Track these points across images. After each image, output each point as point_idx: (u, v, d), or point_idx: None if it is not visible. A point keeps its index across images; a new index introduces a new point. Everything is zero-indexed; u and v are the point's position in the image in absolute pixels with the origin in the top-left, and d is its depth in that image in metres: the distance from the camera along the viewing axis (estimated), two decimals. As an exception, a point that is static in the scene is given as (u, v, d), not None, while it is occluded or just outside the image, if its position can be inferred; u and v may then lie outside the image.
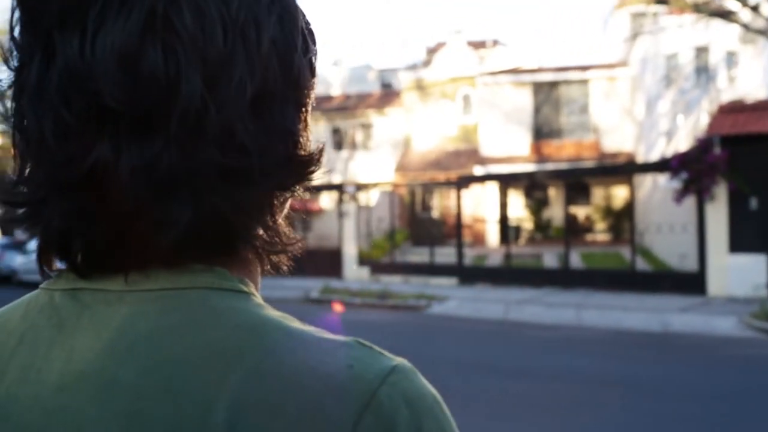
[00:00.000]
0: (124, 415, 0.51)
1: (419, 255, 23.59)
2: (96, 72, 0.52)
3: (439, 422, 0.53)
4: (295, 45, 0.60)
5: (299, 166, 0.61)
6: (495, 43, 32.19)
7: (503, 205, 21.37)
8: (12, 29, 0.57)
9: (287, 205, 0.64)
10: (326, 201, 29.45)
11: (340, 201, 22.51)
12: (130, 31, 0.52)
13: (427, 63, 31.27)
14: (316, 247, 24.94)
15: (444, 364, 9.42)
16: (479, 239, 27.34)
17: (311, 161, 0.62)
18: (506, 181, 21.47)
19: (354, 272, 21.65)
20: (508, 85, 27.98)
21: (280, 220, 0.63)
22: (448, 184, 23.19)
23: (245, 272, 0.61)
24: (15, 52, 0.57)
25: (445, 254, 21.41)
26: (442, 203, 29.16)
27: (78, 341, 0.55)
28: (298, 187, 0.62)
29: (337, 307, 15.19)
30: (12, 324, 0.60)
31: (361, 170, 30.28)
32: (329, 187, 24.81)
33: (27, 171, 0.57)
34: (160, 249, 0.55)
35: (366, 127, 30.94)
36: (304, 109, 0.62)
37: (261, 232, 0.60)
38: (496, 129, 27.83)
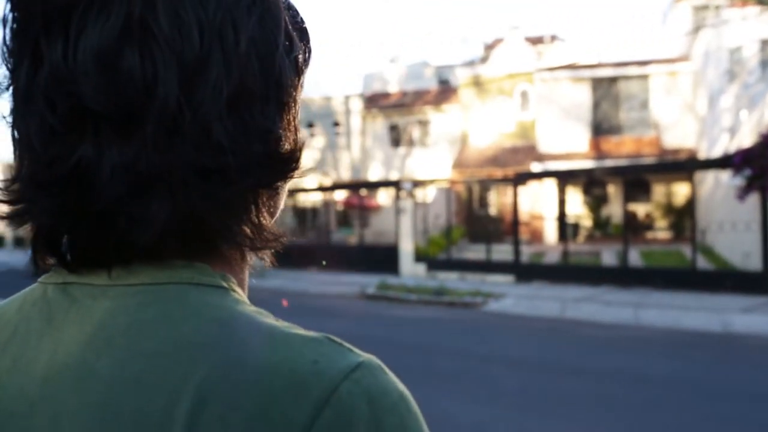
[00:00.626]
0: (97, 406, 0.53)
1: (476, 252, 23.53)
2: (77, 75, 0.55)
3: (403, 419, 0.53)
4: (276, 44, 0.61)
5: (279, 164, 0.62)
6: (553, 38, 31.85)
7: (561, 202, 21.13)
8: (5, 36, 0.60)
9: (276, 201, 0.68)
10: (384, 198, 29.58)
11: (397, 198, 22.56)
12: (108, 35, 0.55)
13: (484, 59, 31.10)
14: (373, 243, 25.08)
15: (498, 362, 9.42)
16: (537, 236, 27.11)
17: (291, 159, 0.63)
18: (564, 178, 21.23)
19: (410, 269, 21.69)
20: (567, 80, 27.66)
21: (264, 217, 0.64)
22: (505, 180, 23.03)
23: (228, 268, 0.64)
24: (9, 57, 0.60)
25: (502, 251, 21.30)
26: (499, 200, 29.01)
27: (65, 334, 0.58)
28: (281, 185, 0.65)
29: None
30: (8, 316, 0.64)
31: (418, 167, 30.31)
32: (386, 183, 24.91)
33: (21, 169, 0.61)
34: (141, 245, 0.57)
35: (423, 123, 30.94)
36: (287, 108, 0.64)
37: (244, 228, 0.62)
38: (554, 125, 27.55)
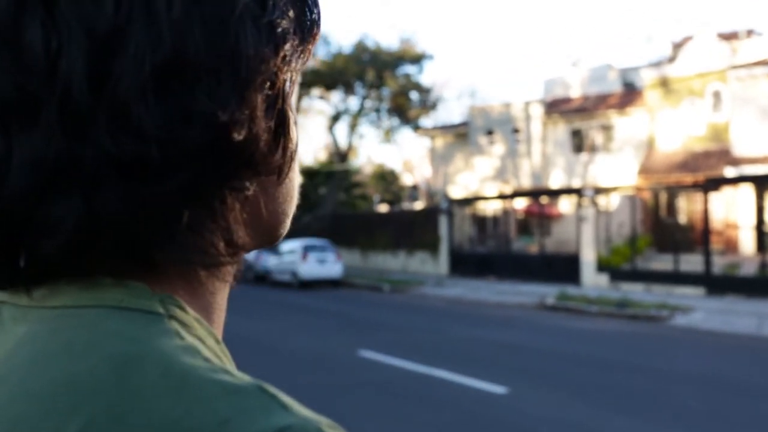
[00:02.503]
0: None
1: (662, 262, 22.36)
2: None
3: None
4: (232, 5, 0.49)
5: (226, 157, 0.49)
6: (749, 33, 29.69)
7: (759, 209, 19.64)
8: None
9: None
10: (565, 205, 28.87)
11: (579, 205, 21.94)
12: (5, 3, 0.46)
13: (672, 59, 29.56)
14: (553, 252, 24.54)
15: (684, 381, 8.87)
16: (731, 246, 25.36)
17: (245, 151, 0.50)
18: (763, 183, 19.71)
19: (592, 279, 21.00)
20: (766, 78, 25.70)
21: (222, 227, 0.51)
22: (695, 186, 21.78)
23: (185, 287, 0.52)
24: None
25: (692, 262, 20.09)
26: (688, 207, 27.41)
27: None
28: (245, 184, 0.52)
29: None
30: None
31: (601, 173, 29.32)
32: (568, 191, 24.31)
33: None
34: (48, 258, 0.47)
35: (606, 128, 29.90)
36: (249, 86, 0.50)
37: (190, 240, 0.49)
38: (750, 126, 25.66)
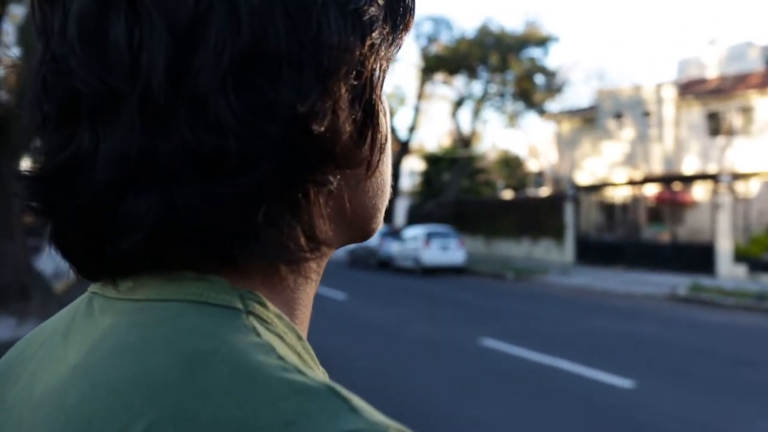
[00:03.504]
0: None
1: (808, 252, 20.99)
2: (67, 50, 0.47)
3: None
4: None
5: (307, 150, 0.48)
6: None
7: None
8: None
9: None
10: (699, 192, 27.58)
11: (715, 192, 20.89)
12: (90, 1, 0.46)
13: (821, 35, 27.56)
14: (686, 241, 23.52)
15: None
16: None
17: (327, 145, 0.48)
18: None
19: (728, 270, 19.97)
20: None
21: (305, 222, 0.50)
22: None
23: (265, 283, 0.51)
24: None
25: (841, 252, 18.77)
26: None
27: (69, 352, 0.50)
28: (328, 178, 0.50)
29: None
30: (50, 324, 0.56)
31: (739, 158, 27.79)
32: (703, 177, 23.21)
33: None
34: (130, 251, 0.47)
35: (746, 110, 28.26)
36: (333, 77, 0.48)
37: (270, 235, 0.48)
38: None
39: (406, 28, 0.56)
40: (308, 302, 0.56)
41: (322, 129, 0.48)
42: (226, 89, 0.45)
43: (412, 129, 39.07)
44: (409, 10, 0.56)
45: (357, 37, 0.50)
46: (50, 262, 21.48)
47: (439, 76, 38.24)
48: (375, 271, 26.38)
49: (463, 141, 38.74)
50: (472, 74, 36.98)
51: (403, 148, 38.44)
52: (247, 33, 0.45)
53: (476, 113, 38.46)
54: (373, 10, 0.51)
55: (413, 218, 36.46)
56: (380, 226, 0.61)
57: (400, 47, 0.56)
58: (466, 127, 39.64)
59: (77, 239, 0.49)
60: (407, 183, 45.07)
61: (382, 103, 0.54)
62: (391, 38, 0.54)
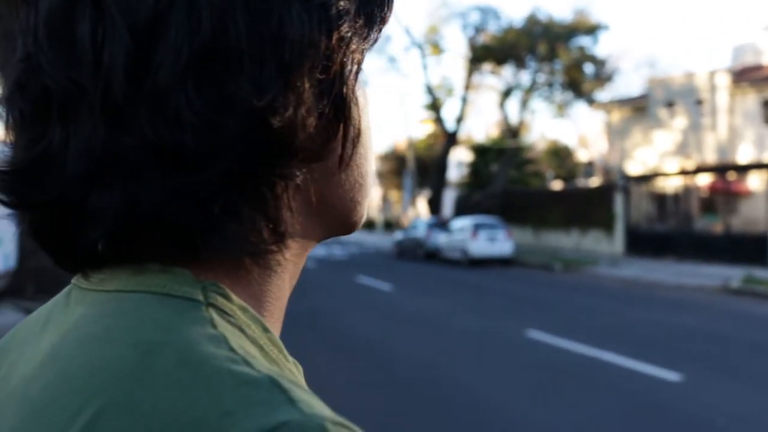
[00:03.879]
0: None
1: None
2: (38, 49, 0.49)
3: None
4: None
5: (266, 144, 0.48)
6: None
7: None
8: None
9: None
10: (755, 182, 26.93)
11: (770, 182, 20.38)
12: None
13: None
14: (740, 232, 23.02)
15: None
16: None
17: (286, 136, 0.49)
18: None
19: (784, 261, 19.48)
20: None
21: (268, 215, 0.51)
22: None
23: (233, 275, 0.52)
24: None
25: None
26: None
27: (44, 342, 0.52)
28: (293, 171, 0.51)
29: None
30: (34, 315, 0.58)
31: (796, 146, 27.06)
32: (758, 166, 22.66)
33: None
34: (95, 244, 0.49)
35: (803, 97, 27.51)
36: (296, 71, 0.49)
37: (232, 228, 0.49)
38: None
39: (383, 21, 0.57)
40: (279, 295, 0.56)
41: (283, 123, 0.48)
42: (186, 84, 0.46)
43: (459, 120, 38.88)
44: (386, 3, 0.56)
45: (323, 32, 0.50)
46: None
47: (487, 67, 37.95)
48: (422, 262, 26.37)
49: (511, 131, 38.43)
50: (520, 64, 36.62)
51: (450, 139, 38.30)
52: (206, 28, 0.46)
53: (524, 103, 38.12)
54: (342, 3, 0.52)
55: (461, 209, 36.33)
56: (363, 218, 0.62)
57: (376, 40, 0.57)
58: (514, 117, 39.34)
59: (50, 232, 0.51)
60: (455, 174, 44.92)
61: (356, 96, 0.55)
62: (365, 31, 0.54)
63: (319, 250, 34.40)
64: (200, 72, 0.46)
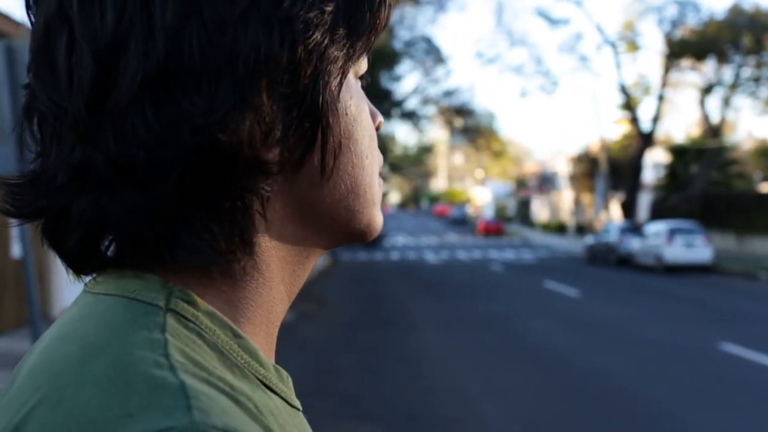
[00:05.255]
0: None
1: None
2: (31, 77, 0.54)
3: None
4: (233, 7, 0.50)
5: (220, 160, 0.50)
6: None
7: None
8: None
9: (243, 213, 0.53)
10: None
11: None
12: (39, 26, 0.52)
13: None
14: None
15: None
16: None
17: (240, 150, 0.50)
18: None
19: None
20: None
21: (229, 225, 0.52)
22: None
23: (198, 281, 0.54)
24: None
25: None
26: None
27: (43, 341, 0.55)
28: (260, 185, 0.52)
29: None
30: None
31: None
32: None
33: None
34: (71, 249, 0.54)
35: None
36: (253, 87, 0.50)
37: (191, 237, 0.51)
38: None
39: (375, 28, 0.57)
40: (262, 302, 0.57)
41: (236, 138, 0.50)
42: (143, 103, 0.48)
43: (655, 119, 37.06)
44: (376, 9, 0.57)
45: (285, 46, 0.51)
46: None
47: (686, 62, 35.94)
48: (613, 268, 25.44)
49: (713, 130, 36.13)
50: (722, 58, 34.32)
51: (646, 140, 36.60)
52: (160, 50, 0.48)
53: (727, 101, 35.69)
54: (313, 14, 0.52)
55: (656, 213, 34.61)
56: (373, 227, 0.63)
57: (369, 48, 0.58)
58: (715, 115, 36.97)
59: (52, 239, 0.55)
60: (650, 176, 42.86)
61: (340, 106, 0.56)
62: (349, 40, 0.55)
63: (508, 253, 34.14)
64: (157, 91, 0.49)
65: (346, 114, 0.57)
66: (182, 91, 0.49)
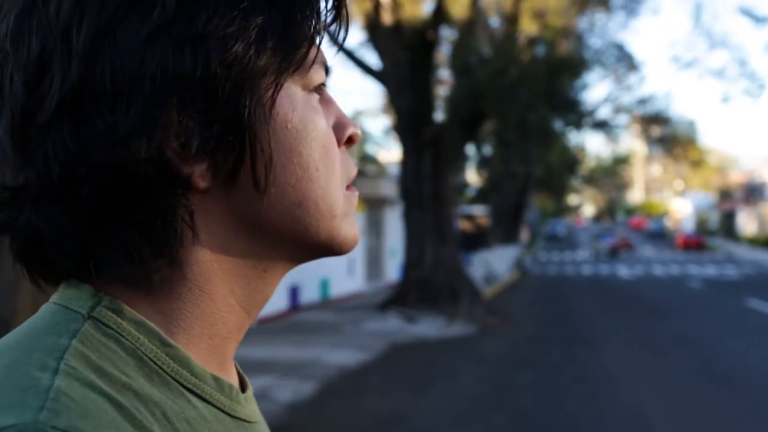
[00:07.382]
0: None
1: None
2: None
3: None
4: (142, 29, 0.52)
5: (131, 176, 0.52)
6: None
7: None
8: None
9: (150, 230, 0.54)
10: None
11: None
12: None
13: None
14: None
15: None
16: None
17: (152, 166, 0.52)
18: None
19: None
20: None
21: (150, 238, 0.54)
22: None
23: (129, 291, 0.55)
24: None
25: None
26: None
27: None
28: (179, 200, 0.54)
29: None
30: None
31: None
32: None
33: None
34: (20, 259, 0.57)
35: None
36: (162, 105, 0.52)
37: (111, 250, 0.54)
38: None
39: (312, 39, 0.58)
40: (201, 314, 0.58)
41: (145, 155, 0.52)
42: (62, 124, 0.52)
43: None
44: (314, 20, 0.58)
45: (197, 62, 0.52)
46: (481, 267, 22.94)
47: None
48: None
49: None
50: None
51: None
52: (74, 73, 0.51)
53: None
54: (232, 29, 0.53)
55: None
56: (338, 240, 0.61)
57: (314, 59, 0.58)
58: None
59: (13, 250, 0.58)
60: None
61: (273, 117, 0.56)
62: (281, 53, 0.56)
63: (709, 269, 32.03)
64: (74, 112, 0.52)
65: (287, 127, 0.57)
66: (96, 111, 0.51)
